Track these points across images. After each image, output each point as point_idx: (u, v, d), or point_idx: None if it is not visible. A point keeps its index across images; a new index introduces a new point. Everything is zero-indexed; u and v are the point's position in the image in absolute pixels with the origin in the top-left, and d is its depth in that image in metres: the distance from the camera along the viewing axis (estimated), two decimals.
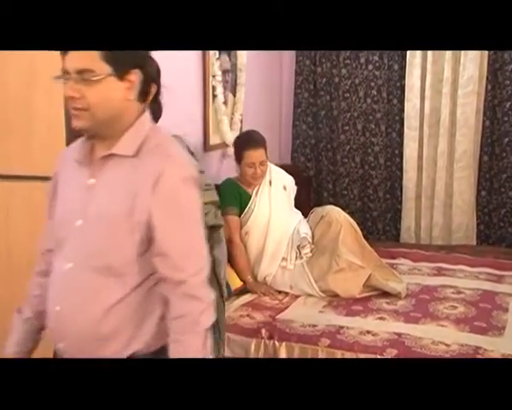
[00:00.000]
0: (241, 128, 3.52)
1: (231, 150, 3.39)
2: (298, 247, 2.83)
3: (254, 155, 2.86)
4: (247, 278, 2.84)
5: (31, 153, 2.25)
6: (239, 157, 2.91)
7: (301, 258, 2.82)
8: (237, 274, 2.84)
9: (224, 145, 3.39)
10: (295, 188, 3.15)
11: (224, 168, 3.46)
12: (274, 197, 2.96)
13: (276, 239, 2.90)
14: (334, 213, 2.92)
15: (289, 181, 3.11)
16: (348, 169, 4.16)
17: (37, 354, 1.58)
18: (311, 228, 2.93)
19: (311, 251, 2.83)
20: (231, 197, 2.90)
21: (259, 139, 2.92)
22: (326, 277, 2.75)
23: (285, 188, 3.04)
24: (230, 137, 3.37)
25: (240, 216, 2.92)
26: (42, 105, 2.19)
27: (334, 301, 2.72)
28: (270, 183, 2.98)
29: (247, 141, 2.89)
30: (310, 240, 2.84)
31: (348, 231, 2.87)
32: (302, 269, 2.81)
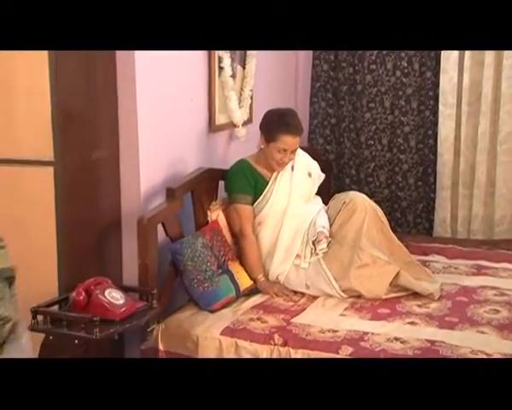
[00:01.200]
0: (251, 105, 3.49)
1: (240, 131, 3.37)
2: (313, 242, 2.79)
3: (291, 142, 2.81)
4: (258, 277, 2.82)
5: (13, 135, 2.36)
6: (271, 137, 2.82)
7: (317, 254, 2.78)
8: (247, 272, 2.82)
9: (232, 125, 3.36)
10: (322, 176, 3.09)
11: (232, 152, 3.44)
12: (295, 185, 2.92)
13: (290, 232, 2.86)
14: (359, 199, 2.87)
15: (315, 168, 3.06)
16: (374, 152, 4.13)
17: None
18: (330, 218, 2.88)
19: (328, 245, 2.78)
20: (245, 183, 2.86)
21: (300, 126, 2.87)
22: (347, 273, 2.71)
23: (310, 175, 2.99)
24: (239, 115, 3.35)
25: (253, 204, 2.88)
26: (24, 83, 2.25)
27: (358, 302, 2.70)
28: (293, 168, 2.93)
29: (287, 124, 2.81)
30: (327, 234, 2.80)
31: (374, 222, 2.82)
32: (319, 265, 2.77)
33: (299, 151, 3.00)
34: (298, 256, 2.82)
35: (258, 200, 2.88)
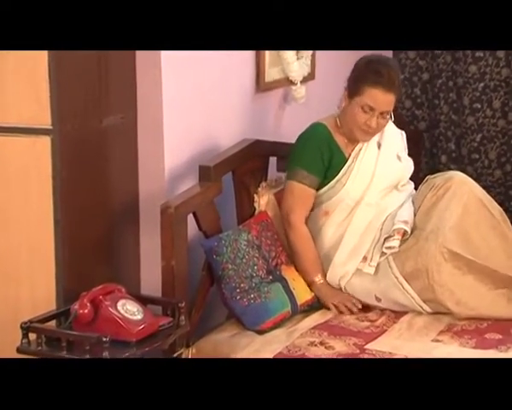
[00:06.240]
0: (313, 56, 3.49)
1: (298, 90, 3.39)
2: (385, 240, 2.76)
3: (381, 98, 2.77)
4: (315, 280, 2.82)
5: (2, 99, 2.44)
6: (355, 89, 2.80)
7: (384, 254, 2.75)
8: (301, 275, 2.82)
9: (287, 83, 3.37)
10: (411, 164, 3.02)
11: (287, 118, 3.46)
12: (380, 169, 2.88)
13: (360, 227, 2.83)
14: (457, 179, 2.81)
15: (403, 148, 3.03)
16: (481, 120, 4.05)
17: None
18: (416, 207, 2.84)
19: (402, 240, 2.72)
20: (317, 160, 2.83)
21: (396, 80, 2.82)
22: (424, 277, 2.65)
23: (399, 159, 2.96)
24: (297, 69, 3.35)
25: (319, 189, 2.86)
26: None
27: (458, 324, 2.67)
28: (379, 145, 2.91)
29: (378, 73, 2.77)
30: (407, 229, 2.74)
31: (480, 212, 2.76)
32: (388, 268, 2.74)
33: (391, 125, 2.95)
34: (364, 258, 2.81)
35: (330, 184, 2.86)
